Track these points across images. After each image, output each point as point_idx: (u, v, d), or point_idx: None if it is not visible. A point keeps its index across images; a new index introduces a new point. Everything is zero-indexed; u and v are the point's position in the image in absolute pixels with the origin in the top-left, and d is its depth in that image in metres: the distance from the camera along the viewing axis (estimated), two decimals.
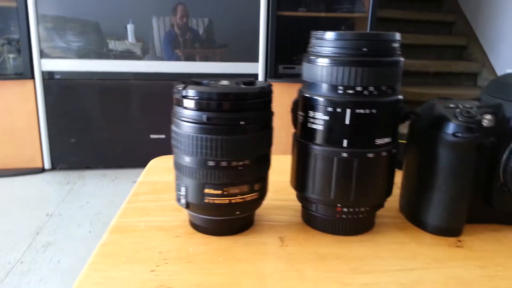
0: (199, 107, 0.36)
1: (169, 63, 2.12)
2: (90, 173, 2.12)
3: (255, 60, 2.08)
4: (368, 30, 2.07)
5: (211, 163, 0.37)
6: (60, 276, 1.30)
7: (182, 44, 2.12)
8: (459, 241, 0.42)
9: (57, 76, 2.02)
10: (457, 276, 0.36)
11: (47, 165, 2.10)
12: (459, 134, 0.39)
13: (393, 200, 0.48)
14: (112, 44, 2.07)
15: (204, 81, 0.39)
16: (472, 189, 0.41)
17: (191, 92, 0.36)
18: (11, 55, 2.06)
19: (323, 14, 2.18)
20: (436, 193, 0.41)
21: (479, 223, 0.44)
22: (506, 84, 0.42)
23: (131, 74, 2.07)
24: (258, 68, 2.08)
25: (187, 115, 0.36)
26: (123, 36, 2.07)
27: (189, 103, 0.36)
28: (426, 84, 2.94)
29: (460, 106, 0.40)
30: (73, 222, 1.63)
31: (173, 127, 0.38)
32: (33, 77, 1.98)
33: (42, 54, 1.98)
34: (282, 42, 2.05)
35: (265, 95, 0.37)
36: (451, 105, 0.40)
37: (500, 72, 2.75)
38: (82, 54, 2.04)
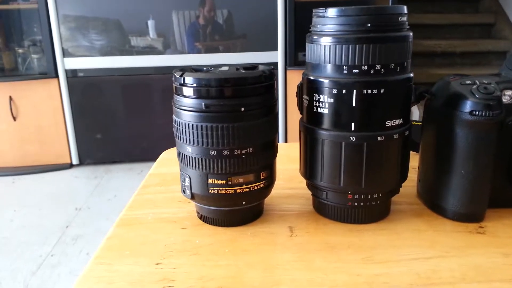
0: (197, 95, 0.34)
1: (190, 55, 2.13)
2: (117, 167, 2.16)
3: (275, 48, 2.06)
4: None
5: (213, 152, 0.35)
6: None
7: (203, 36, 2.12)
8: (481, 227, 0.39)
9: (81, 74, 2.06)
10: (478, 264, 0.34)
11: (75, 160, 2.16)
12: (476, 113, 0.36)
13: (411, 185, 0.45)
14: (134, 41, 2.10)
15: (204, 68, 0.38)
16: (494, 171, 0.39)
17: (188, 79, 0.35)
18: (35, 56, 2.11)
19: None
20: (454, 177, 0.39)
21: (503, 208, 0.41)
22: None
23: (153, 69, 2.09)
24: (278, 56, 2.06)
25: (186, 103, 0.35)
26: (144, 32, 2.08)
27: (187, 91, 0.35)
28: (454, 65, 2.83)
29: (477, 82, 0.37)
30: (101, 215, 1.67)
31: (174, 117, 0.37)
32: (57, 76, 2.03)
33: (65, 53, 2.02)
34: (301, 29, 2.02)
35: (266, 79, 0.36)
36: (468, 82, 0.37)
37: None
38: (105, 52, 2.07)
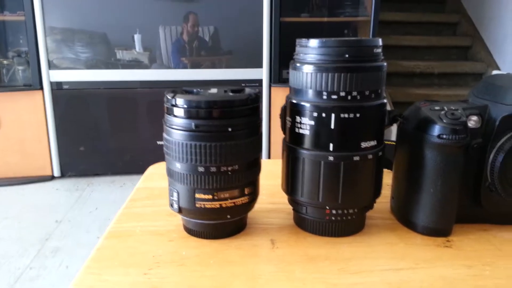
0: (187, 115, 0.37)
1: (176, 71, 2.15)
2: (99, 180, 2.15)
3: (259, 65, 2.10)
4: (371, 34, 2.08)
5: (201, 169, 0.38)
6: (68, 281, 1.31)
7: (189, 52, 2.15)
8: (448, 241, 0.42)
9: (66, 86, 2.06)
10: (444, 275, 0.37)
11: (56, 172, 2.14)
12: (444, 136, 0.39)
13: (385, 201, 0.48)
14: (120, 54, 2.11)
15: (194, 90, 0.41)
16: (461, 189, 0.42)
17: (179, 100, 0.37)
18: (20, 67, 2.10)
19: (325, 19, 2.19)
20: (424, 194, 0.42)
21: (469, 223, 0.45)
22: (492, 85, 0.43)
23: (138, 83, 2.11)
24: (263, 73, 2.10)
25: (176, 123, 0.38)
26: (130, 46, 2.10)
27: (178, 111, 0.37)
28: (432, 86, 2.94)
29: (445, 108, 0.41)
30: (82, 228, 1.66)
31: (164, 135, 0.40)
32: (42, 88, 2.02)
33: (51, 65, 2.02)
34: (286, 47, 2.07)
35: (252, 102, 0.39)
36: (436, 108, 0.41)
37: (506, 71, 2.73)
38: (90, 65, 2.08)
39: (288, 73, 1.87)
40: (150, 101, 2.15)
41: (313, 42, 0.38)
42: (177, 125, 0.38)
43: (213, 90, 0.41)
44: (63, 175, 2.16)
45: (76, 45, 2.06)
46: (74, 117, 2.11)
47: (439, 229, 0.43)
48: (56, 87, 2.04)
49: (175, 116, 0.38)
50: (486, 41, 2.96)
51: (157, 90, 2.11)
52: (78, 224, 1.69)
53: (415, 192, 0.42)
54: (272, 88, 2.10)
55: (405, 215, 0.45)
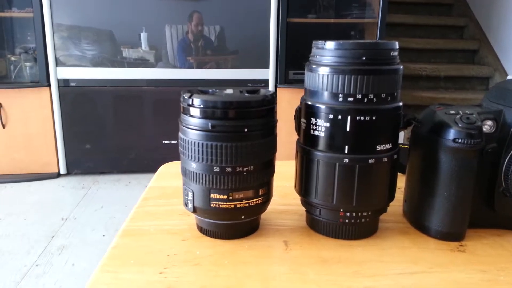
0: (204, 115, 0.37)
1: (181, 70, 2.15)
2: (104, 178, 2.16)
3: (266, 66, 2.10)
4: (377, 36, 2.08)
5: (216, 169, 0.38)
6: (74, 279, 1.32)
7: (194, 51, 2.16)
8: (462, 245, 0.42)
9: (72, 84, 2.06)
10: (458, 280, 0.37)
11: (62, 170, 2.15)
12: (459, 140, 0.39)
13: (397, 205, 0.48)
14: (126, 52, 2.12)
15: (210, 90, 0.41)
16: (474, 194, 0.42)
17: (196, 100, 0.37)
18: (27, 64, 2.11)
19: (332, 21, 2.19)
20: (438, 198, 0.42)
21: (482, 228, 0.45)
22: (506, 90, 0.43)
23: (144, 81, 2.11)
24: (269, 74, 2.10)
25: (193, 123, 0.38)
26: (136, 44, 2.11)
27: (194, 111, 0.37)
28: (438, 89, 2.93)
29: (461, 112, 0.41)
30: (88, 226, 1.66)
31: (180, 134, 0.40)
32: (49, 85, 2.03)
33: (58, 63, 2.03)
34: (292, 48, 2.07)
35: (268, 103, 0.39)
36: (452, 112, 0.41)
37: None
38: (97, 62, 2.08)
39: (294, 74, 1.86)
40: (156, 100, 2.16)
41: (330, 44, 0.38)
42: (193, 125, 0.38)
43: (229, 91, 0.41)
44: (69, 172, 2.17)
45: (83, 43, 2.07)
46: (81, 114, 2.12)
47: (452, 234, 0.43)
48: (63, 84, 2.05)
49: (191, 116, 0.38)
50: (494, 45, 2.95)
51: (163, 89, 2.12)
52: (83, 222, 1.70)
53: (429, 196, 0.42)
54: (278, 89, 2.10)
55: (418, 219, 0.44)
